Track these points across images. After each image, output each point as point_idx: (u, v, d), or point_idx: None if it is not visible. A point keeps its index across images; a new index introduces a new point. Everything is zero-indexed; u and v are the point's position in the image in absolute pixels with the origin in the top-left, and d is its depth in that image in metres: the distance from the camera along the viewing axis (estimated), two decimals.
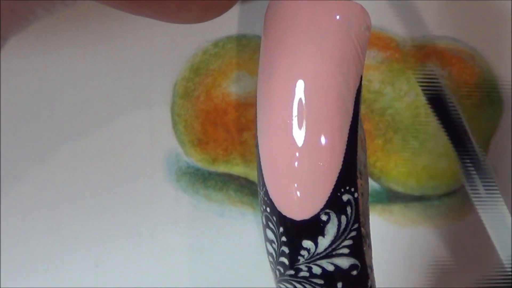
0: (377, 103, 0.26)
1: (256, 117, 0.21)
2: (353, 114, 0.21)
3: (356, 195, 0.21)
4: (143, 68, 0.26)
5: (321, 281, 0.21)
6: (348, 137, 0.21)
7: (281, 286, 0.22)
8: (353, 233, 0.21)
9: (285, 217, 0.21)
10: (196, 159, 0.26)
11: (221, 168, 0.26)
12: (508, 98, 0.26)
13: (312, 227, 0.21)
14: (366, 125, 0.26)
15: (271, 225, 0.21)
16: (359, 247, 0.21)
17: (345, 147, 0.21)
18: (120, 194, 0.26)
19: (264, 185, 0.21)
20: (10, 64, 0.26)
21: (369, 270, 0.22)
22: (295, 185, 0.20)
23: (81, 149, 0.26)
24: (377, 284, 0.25)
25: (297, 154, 0.20)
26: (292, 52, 0.20)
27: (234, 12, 0.26)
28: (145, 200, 0.26)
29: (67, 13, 0.26)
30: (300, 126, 0.20)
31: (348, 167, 0.21)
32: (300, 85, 0.20)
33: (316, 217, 0.20)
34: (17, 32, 0.15)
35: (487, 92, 0.26)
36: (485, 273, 0.27)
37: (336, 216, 0.21)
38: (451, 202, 0.26)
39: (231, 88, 0.26)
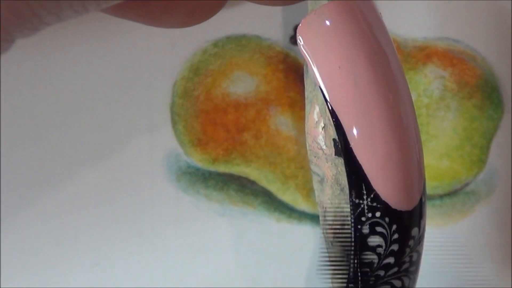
0: None
1: (343, 131, 0.21)
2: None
3: None
4: (143, 68, 0.26)
5: (414, 268, 0.21)
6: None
7: None
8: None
9: (400, 212, 0.21)
10: (196, 159, 0.26)
11: (222, 168, 0.26)
12: (509, 99, 0.26)
13: (419, 211, 0.21)
14: None
15: (380, 229, 0.21)
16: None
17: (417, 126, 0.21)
18: (120, 194, 0.26)
19: (370, 191, 0.21)
20: (10, 65, 0.26)
21: None
22: (408, 177, 0.21)
23: (81, 149, 0.26)
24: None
25: (403, 147, 0.20)
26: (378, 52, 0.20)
27: (234, 12, 0.26)
28: (145, 200, 0.26)
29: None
30: (404, 121, 0.20)
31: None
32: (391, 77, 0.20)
33: (421, 199, 0.21)
34: (22, 36, 0.15)
35: (488, 93, 0.26)
36: (486, 273, 0.26)
37: (424, 195, 0.21)
38: (452, 202, 0.26)
39: (231, 88, 0.26)
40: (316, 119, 0.22)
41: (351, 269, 0.22)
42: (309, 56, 0.21)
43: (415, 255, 0.21)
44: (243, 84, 0.26)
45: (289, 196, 0.26)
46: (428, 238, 0.26)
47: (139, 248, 0.26)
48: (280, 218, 0.26)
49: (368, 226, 0.21)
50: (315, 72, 0.21)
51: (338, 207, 0.22)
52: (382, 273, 0.21)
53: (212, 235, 0.26)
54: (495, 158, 0.26)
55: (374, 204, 0.21)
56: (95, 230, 0.26)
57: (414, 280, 0.22)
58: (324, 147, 0.23)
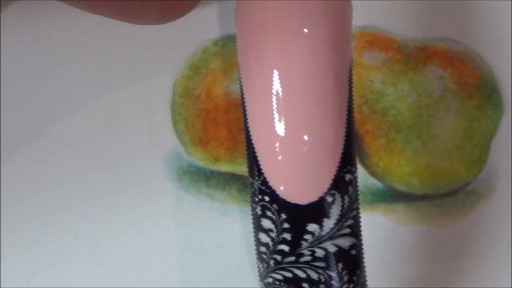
0: (379, 103, 0.26)
1: (243, 106, 0.21)
2: (349, 93, 0.21)
3: (355, 174, 0.21)
4: (143, 67, 0.26)
5: (323, 264, 0.21)
6: (347, 117, 0.21)
7: (275, 276, 0.22)
8: (354, 212, 0.21)
9: (289, 203, 0.21)
10: (197, 158, 0.26)
11: (224, 167, 0.26)
12: (509, 99, 0.26)
13: (318, 210, 0.21)
14: (368, 126, 0.26)
15: (269, 214, 0.21)
16: (358, 226, 0.22)
17: (345, 126, 0.21)
18: (121, 193, 0.26)
19: (260, 174, 0.21)
20: (10, 64, 0.26)
21: (363, 249, 0.22)
22: (300, 169, 0.20)
23: (81, 148, 0.26)
24: (379, 283, 0.25)
25: (301, 137, 0.20)
26: (287, 35, 0.20)
27: (234, 12, 0.26)
28: (146, 199, 0.26)
29: (66, 12, 0.26)
30: (303, 109, 0.20)
31: (349, 146, 0.21)
32: (297, 67, 0.20)
33: (322, 199, 0.20)
34: None
35: (488, 94, 0.26)
36: (486, 273, 0.27)
37: (340, 197, 0.21)
38: (453, 201, 0.26)
39: (232, 87, 0.26)
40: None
41: (254, 245, 0.22)
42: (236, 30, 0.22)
43: (320, 252, 0.21)
44: None
45: None
46: (429, 238, 0.27)
47: (140, 248, 0.26)
48: None
49: (260, 207, 0.21)
50: (237, 44, 0.22)
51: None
52: (279, 258, 0.21)
53: (214, 235, 0.26)
54: (495, 158, 0.26)
55: (263, 188, 0.21)
56: (96, 230, 0.26)
57: (329, 277, 0.21)
58: None
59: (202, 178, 0.26)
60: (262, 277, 0.22)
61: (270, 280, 0.22)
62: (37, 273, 0.26)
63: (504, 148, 0.26)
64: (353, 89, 0.21)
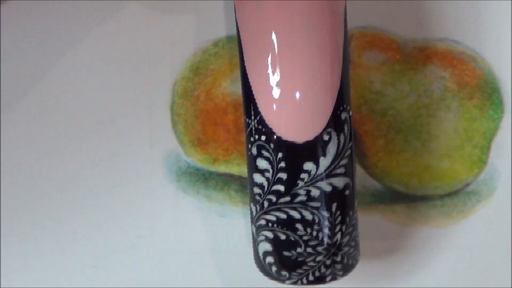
0: (378, 103, 0.26)
1: (239, 44, 0.21)
2: (344, 31, 0.21)
3: (350, 112, 0.22)
4: (143, 68, 0.26)
5: (317, 204, 0.21)
6: (343, 54, 0.21)
7: (268, 217, 0.22)
8: (348, 152, 0.22)
9: (286, 141, 0.21)
10: (196, 159, 0.26)
11: (222, 168, 0.26)
12: (509, 99, 0.26)
13: (315, 148, 0.21)
14: (367, 126, 0.26)
15: (265, 154, 0.21)
16: (352, 166, 0.22)
17: (341, 63, 0.21)
18: (120, 194, 0.26)
19: (257, 113, 0.21)
20: (9, 64, 0.26)
21: (355, 190, 0.22)
22: (297, 108, 0.20)
23: (81, 149, 0.26)
24: (379, 283, 0.25)
25: (298, 75, 0.20)
26: None
27: (234, 12, 0.26)
28: (145, 200, 0.26)
29: (66, 12, 0.26)
30: (299, 46, 0.20)
31: (344, 84, 0.21)
32: (293, 5, 0.20)
33: (319, 137, 0.21)
34: None
35: (489, 94, 0.26)
36: (486, 273, 0.27)
37: (337, 135, 0.21)
38: (453, 202, 0.26)
39: (231, 88, 0.26)
40: None
41: (248, 187, 0.22)
42: None
43: (315, 191, 0.21)
44: None
45: None
46: (429, 239, 0.26)
47: (138, 249, 0.26)
48: None
49: (256, 147, 0.21)
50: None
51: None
52: (273, 198, 0.21)
53: (212, 236, 0.26)
54: (495, 158, 0.26)
55: (260, 127, 0.21)
56: (95, 231, 0.26)
57: (323, 217, 0.21)
58: None
59: (201, 179, 0.26)
60: (254, 220, 0.22)
61: (262, 222, 0.22)
62: (36, 273, 0.26)
63: (504, 148, 0.26)
64: (347, 32, 0.22)
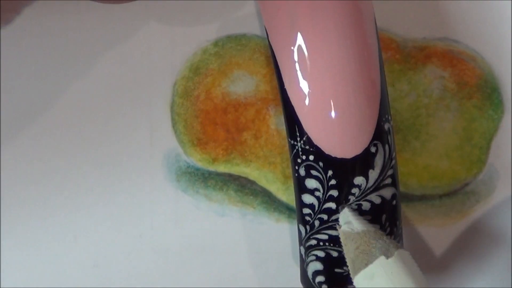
0: None
1: (277, 68, 0.21)
2: (377, 38, 0.22)
3: (391, 122, 0.22)
4: (143, 68, 0.26)
5: (368, 217, 0.21)
6: (380, 63, 0.21)
7: (319, 236, 0.22)
8: (393, 162, 0.22)
9: (335, 158, 0.21)
10: (196, 159, 0.26)
11: (221, 168, 0.26)
12: (509, 99, 0.26)
13: (364, 162, 0.21)
14: None
15: (315, 173, 0.21)
16: (396, 175, 0.22)
17: (379, 74, 0.21)
18: (120, 193, 0.26)
19: (303, 134, 0.21)
20: (10, 65, 0.26)
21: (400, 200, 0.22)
22: (345, 123, 0.20)
23: (81, 148, 0.26)
24: None
25: (343, 91, 0.20)
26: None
27: (234, 12, 0.26)
28: (145, 199, 0.26)
29: (66, 12, 0.26)
30: (340, 63, 0.20)
31: (384, 94, 0.21)
32: (328, 20, 0.20)
33: (367, 150, 0.21)
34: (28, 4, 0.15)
35: (488, 93, 0.26)
36: (486, 273, 0.26)
37: (382, 146, 0.21)
38: (451, 202, 0.26)
39: (231, 88, 0.26)
40: None
41: (297, 209, 0.22)
42: (259, 3, 0.22)
43: (366, 205, 0.21)
44: (243, 83, 0.26)
45: (288, 196, 0.26)
46: (428, 238, 0.26)
47: (138, 248, 0.26)
48: (280, 218, 0.26)
49: (304, 168, 0.21)
50: (262, 16, 0.22)
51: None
52: (325, 217, 0.21)
53: (211, 235, 0.26)
54: (494, 159, 0.26)
55: (307, 147, 0.21)
56: (95, 230, 0.26)
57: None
58: None
59: (200, 179, 0.26)
60: (304, 241, 0.22)
61: (313, 242, 0.22)
62: (36, 273, 0.26)
63: (504, 148, 0.26)
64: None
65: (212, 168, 0.26)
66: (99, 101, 0.26)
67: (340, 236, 0.21)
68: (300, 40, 0.20)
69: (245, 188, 0.26)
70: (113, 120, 0.26)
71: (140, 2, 0.26)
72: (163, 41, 0.26)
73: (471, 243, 0.26)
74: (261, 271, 0.26)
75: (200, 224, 0.26)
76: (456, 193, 0.26)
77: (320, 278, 0.22)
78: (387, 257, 0.19)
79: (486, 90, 0.26)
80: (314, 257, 0.22)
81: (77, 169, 0.26)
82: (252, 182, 0.26)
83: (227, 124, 0.26)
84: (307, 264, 0.22)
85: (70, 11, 0.26)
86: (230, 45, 0.26)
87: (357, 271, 0.20)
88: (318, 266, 0.22)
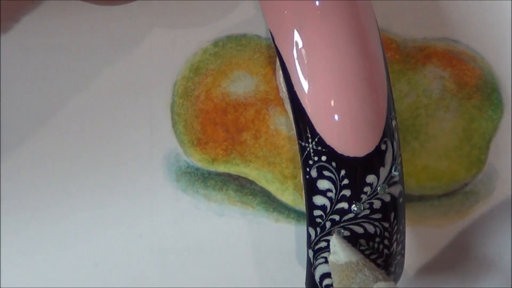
0: None
1: (285, 72, 0.21)
2: (379, 38, 0.22)
3: (397, 119, 0.22)
4: (143, 68, 0.26)
5: (379, 215, 0.21)
6: (384, 62, 0.21)
7: (330, 238, 0.21)
8: (400, 159, 0.22)
9: (348, 158, 0.21)
10: (195, 159, 0.26)
11: (221, 168, 0.26)
12: (509, 99, 0.26)
13: (375, 159, 0.21)
14: None
15: (328, 174, 0.21)
16: (403, 172, 0.22)
17: (385, 72, 0.21)
18: (120, 193, 0.26)
19: (315, 135, 0.21)
20: (11, 65, 0.26)
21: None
22: (357, 122, 0.20)
23: (81, 148, 0.26)
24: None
25: (353, 90, 0.20)
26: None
27: (234, 12, 0.26)
28: (145, 199, 0.26)
29: (66, 12, 0.26)
30: (350, 61, 0.20)
31: (390, 92, 0.21)
32: (335, 22, 0.20)
33: (378, 147, 0.21)
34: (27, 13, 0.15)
35: (488, 94, 0.26)
36: (485, 273, 0.26)
37: (391, 143, 0.21)
38: (450, 202, 0.26)
39: (231, 88, 0.26)
40: (279, 63, 0.22)
41: (307, 211, 0.22)
42: (261, 5, 0.22)
43: (377, 203, 0.21)
44: (243, 83, 0.26)
45: (287, 196, 0.26)
46: (427, 239, 0.26)
47: (138, 248, 0.26)
48: (279, 218, 0.26)
49: (316, 169, 0.21)
50: (266, 18, 0.22)
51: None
52: (337, 217, 0.21)
53: (211, 235, 0.26)
54: (494, 159, 0.26)
55: (319, 148, 0.21)
56: (95, 230, 0.26)
57: (383, 229, 0.21)
58: (284, 90, 0.23)
59: (200, 179, 0.26)
60: (313, 244, 0.22)
61: (323, 244, 0.22)
62: (36, 273, 0.26)
63: (503, 148, 0.26)
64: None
65: (211, 168, 0.26)
66: (99, 101, 0.26)
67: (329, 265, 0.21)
68: (309, 41, 0.20)
69: (245, 188, 0.26)
70: (113, 120, 0.26)
71: (140, 2, 0.26)
72: (163, 42, 0.26)
73: (470, 243, 0.26)
74: (260, 271, 0.26)
75: (199, 224, 0.26)
76: (456, 193, 0.26)
77: (328, 281, 0.22)
78: None
79: (486, 90, 0.26)
80: (323, 260, 0.22)
81: (77, 169, 0.26)
82: (252, 182, 0.26)
83: (227, 124, 0.26)
84: (315, 267, 0.22)
85: (71, 12, 0.26)
86: (230, 45, 0.26)
87: None
88: (327, 268, 0.22)
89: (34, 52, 0.26)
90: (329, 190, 0.21)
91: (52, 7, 0.26)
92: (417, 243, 0.26)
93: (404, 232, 0.22)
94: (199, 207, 0.26)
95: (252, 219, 0.26)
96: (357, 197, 0.21)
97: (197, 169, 0.26)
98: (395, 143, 0.21)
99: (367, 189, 0.21)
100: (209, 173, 0.26)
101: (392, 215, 0.21)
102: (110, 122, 0.26)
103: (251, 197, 0.26)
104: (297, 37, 0.21)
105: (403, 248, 0.22)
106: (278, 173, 0.26)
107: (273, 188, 0.26)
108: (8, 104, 0.26)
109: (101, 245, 0.26)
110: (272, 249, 0.26)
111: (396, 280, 0.23)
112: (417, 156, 0.26)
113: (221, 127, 0.26)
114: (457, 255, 0.26)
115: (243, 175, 0.26)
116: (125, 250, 0.26)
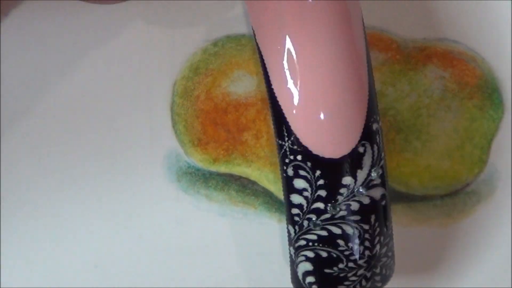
0: (378, 104, 0.26)
1: (264, 68, 0.21)
2: (364, 39, 0.21)
3: (380, 123, 0.22)
4: (143, 67, 0.26)
5: (357, 217, 0.21)
6: (367, 64, 0.21)
7: (308, 237, 0.22)
8: (382, 162, 0.22)
9: (323, 158, 0.21)
10: (196, 159, 0.26)
11: (222, 168, 0.26)
12: (509, 99, 0.26)
13: (352, 162, 0.21)
14: None
15: (303, 173, 0.21)
16: (385, 175, 0.22)
17: (367, 74, 0.21)
18: (120, 194, 0.26)
19: (291, 134, 0.21)
20: (10, 65, 0.26)
21: (389, 200, 0.22)
22: (332, 123, 0.20)
23: (81, 149, 0.26)
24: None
25: (330, 91, 0.20)
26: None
27: (234, 12, 0.26)
28: (145, 200, 0.26)
29: (66, 12, 0.26)
30: (327, 62, 0.20)
31: (372, 94, 0.21)
32: (315, 22, 0.20)
33: (355, 150, 0.21)
34: None
35: (489, 94, 0.26)
36: (486, 273, 0.27)
37: (371, 146, 0.21)
38: (453, 202, 0.26)
39: (231, 88, 0.26)
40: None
41: (286, 209, 0.22)
42: (246, 2, 0.22)
43: (355, 205, 0.21)
44: (243, 83, 0.26)
45: None
46: (429, 239, 0.26)
47: (139, 249, 0.26)
48: (281, 219, 0.26)
49: (292, 168, 0.21)
50: (249, 14, 0.22)
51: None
52: (313, 217, 0.21)
53: (212, 236, 0.26)
54: (495, 158, 0.26)
55: (295, 147, 0.21)
56: (95, 231, 0.26)
57: (362, 230, 0.21)
58: None
59: (201, 179, 0.26)
60: (293, 241, 0.22)
61: (302, 242, 0.22)
62: (36, 273, 0.26)
63: (505, 148, 0.26)
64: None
65: (213, 168, 0.26)
66: (98, 101, 0.26)
67: None
68: (288, 40, 0.20)
69: (246, 189, 0.26)
70: (113, 120, 0.26)
71: (140, 2, 0.26)
72: (163, 41, 0.26)
73: (473, 243, 0.26)
74: (262, 272, 0.26)
75: (201, 224, 0.26)
76: (458, 193, 0.26)
77: (310, 279, 0.22)
78: None
79: (487, 90, 0.26)
80: (303, 258, 0.22)
81: (77, 169, 0.26)
82: (253, 183, 0.26)
83: (227, 124, 0.26)
84: (297, 265, 0.22)
85: (69, 12, 0.26)
86: (230, 45, 0.26)
87: None
88: (308, 266, 0.22)
89: (33, 52, 0.26)
90: (304, 189, 0.21)
91: (51, 7, 0.26)
92: (419, 244, 0.26)
93: (390, 234, 0.22)
94: (201, 207, 0.26)
95: (254, 220, 0.26)
96: (333, 198, 0.21)
97: (198, 169, 0.26)
98: (375, 146, 0.21)
99: (343, 190, 0.21)
100: (210, 173, 0.26)
101: (373, 217, 0.21)
102: (110, 122, 0.26)
103: (253, 197, 0.26)
104: (278, 36, 0.21)
105: (390, 250, 0.22)
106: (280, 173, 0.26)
107: (275, 188, 0.26)
108: (7, 104, 0.26)
109: (101, 245, 0.26)
110: (275, 249, 0.26)
111: (384, 281, 0.23)
112: (419, 156, 0.26)
113: (222, 127, 0.26)
114: (459, 255, 0.26)
115: (244, 176, 0.26)
116: (126, 251, 0.26)
